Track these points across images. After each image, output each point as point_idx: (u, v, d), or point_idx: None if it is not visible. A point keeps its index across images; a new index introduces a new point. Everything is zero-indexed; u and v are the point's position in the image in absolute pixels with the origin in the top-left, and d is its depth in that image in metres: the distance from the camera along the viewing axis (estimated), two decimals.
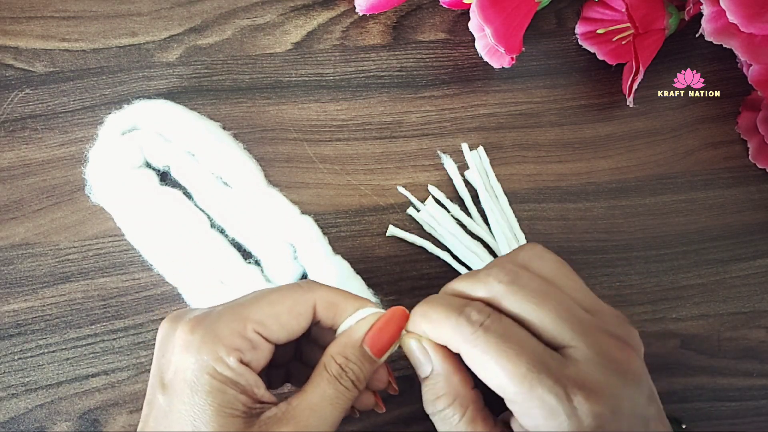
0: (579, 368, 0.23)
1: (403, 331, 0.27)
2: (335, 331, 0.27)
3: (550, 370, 0.23)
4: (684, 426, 0.31)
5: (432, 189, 0.37)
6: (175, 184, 0.36)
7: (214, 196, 0.35)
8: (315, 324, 0.26)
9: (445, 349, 0.26)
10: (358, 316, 0.26)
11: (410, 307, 0.36)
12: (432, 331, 0.25)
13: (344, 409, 0.25)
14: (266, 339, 0.25)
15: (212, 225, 0.35)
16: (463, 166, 0.37)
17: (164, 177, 0.36)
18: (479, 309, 0.25)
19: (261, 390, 0.24)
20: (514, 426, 0.25)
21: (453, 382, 0.26)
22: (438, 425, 0.26)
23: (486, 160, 0.37)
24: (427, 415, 0.34)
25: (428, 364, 0.26)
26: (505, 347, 0.23)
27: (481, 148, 0.37)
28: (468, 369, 0.25)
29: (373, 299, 0.35)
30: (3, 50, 0.37)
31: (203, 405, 0.23)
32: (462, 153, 0.37)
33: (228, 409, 0.23)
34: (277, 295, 0.26)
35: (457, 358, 0.26)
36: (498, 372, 0.23)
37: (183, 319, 0.25)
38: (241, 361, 0.24)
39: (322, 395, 0.25)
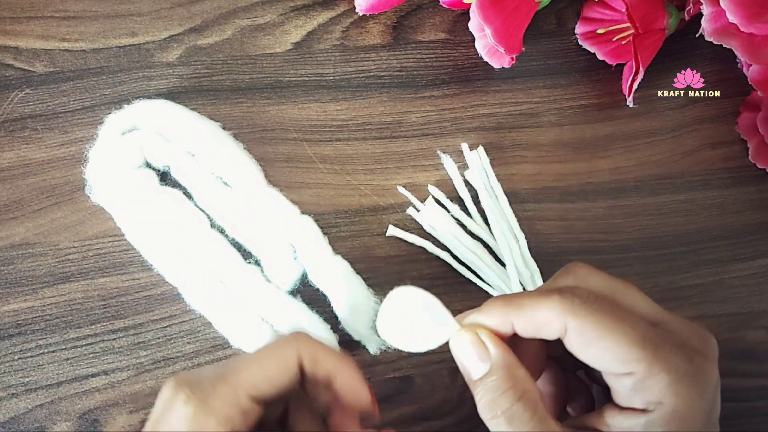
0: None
1: (455, 330, 0.25)
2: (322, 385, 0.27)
3: (665, 337, 0.22)
4: None
5: (432, 189, 0.37)
6: (175, 184, 0.36)
7: (214, 196, 0.35)
8: (302, 377, 0.26)
9: (504, 342, 0.24)
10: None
11: None
12: (522, 315, 0.23)
13: None
14: (258, 400, 0.25)
15: (212, 225, 0.35)
16: (463, 166, 0.37)
17: (164, 177, 0.36)
18: (576, 287, 0.24)
19: None
20: (609, 419, 0.24)
21: (518, 376, 0.23)
22: (500, 428, 0.23)
23: (486, 160, 0.37)
24: (427, 416, 0.34)
25: (485, 361, 0.24)
26: (621, 314, 0.22)
27: (481, 148, 0.37)
28: (528, 363, 0.24)
29: (373, 299, 0.35)
30: (3, 50, 0.37)
31: None
32: (462, 153, 0.37)
33: None
34: (264, 353, 0.26)
35: (516, 353, 0.24)
36: (618, 339, 0.22)
37: (183, 386, 0.25)
38: None
39: None
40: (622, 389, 0.23)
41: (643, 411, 0.23)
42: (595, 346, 0.23)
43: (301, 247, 0.35)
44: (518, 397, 0.23)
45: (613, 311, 0.23)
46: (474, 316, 0.25)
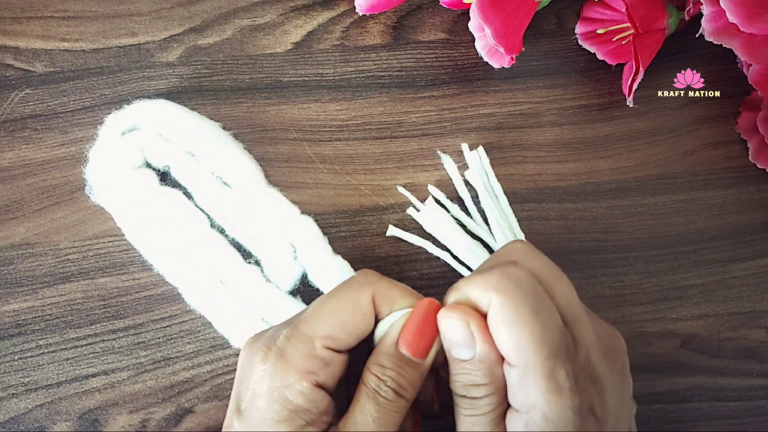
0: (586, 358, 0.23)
1: (441, 312, 0.24)
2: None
3: (565, 342, 0.23)
4: None
5: (432, 189, 0.37)
6: (175, 184, 0.36)
7: (214, 196, 0.35)
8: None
9: (491, 337, 0.24)
10: (392, 319, 0.25)
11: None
12: (457, 290, 0.24)
13: (393, 424, 0.24)
14: (337, 351, 0.24)
15: (212, 225, 0.35)
16: (463, 166, 0.37)
17: (164, 177, 0.36)
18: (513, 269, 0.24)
19: (329, 416, 0.24)
20: (507, 418, 0.24)
21: (496, 373, 0.24)
22: (464, 409, 0.24)
23: (486, 160, 0.37)
24: (427, 416, 0.34)
25: (470, 349, 0.24)
26: (539, 307, 0.22)
27: (481, 148, 0.37)
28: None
29: None
30: (3, 50, 0.37)
31: None
32: (462, 153, 0.37)
33: None
34: (336, 300, 0.24)
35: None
36: (522, 330, 0.22)
37: (258, 344, 0.24)
38: (317, 384, 0.23)
39: (363, 413, 0.23)
40: (509, 384, 0.23)
41: (518, 411, 0.23)
42: (501, 329, 0.23)
43: (301, 247, 0.35)
44: (491, 392, 0.23)
45: (535, 301, 0.23)
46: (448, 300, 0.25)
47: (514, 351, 0.22)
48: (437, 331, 0.24)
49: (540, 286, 0.24)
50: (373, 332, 0.25)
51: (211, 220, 0.35)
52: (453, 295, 0.24)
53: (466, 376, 0.24)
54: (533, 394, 0.22)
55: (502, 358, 0.24)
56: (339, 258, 0.35)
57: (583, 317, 0.25)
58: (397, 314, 0.25)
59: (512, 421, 0.23)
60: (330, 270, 0.34)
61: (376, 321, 0.25)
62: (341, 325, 0.24)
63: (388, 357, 0.24)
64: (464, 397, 0.24)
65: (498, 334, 0.23)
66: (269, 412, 0.23)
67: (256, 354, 0.24)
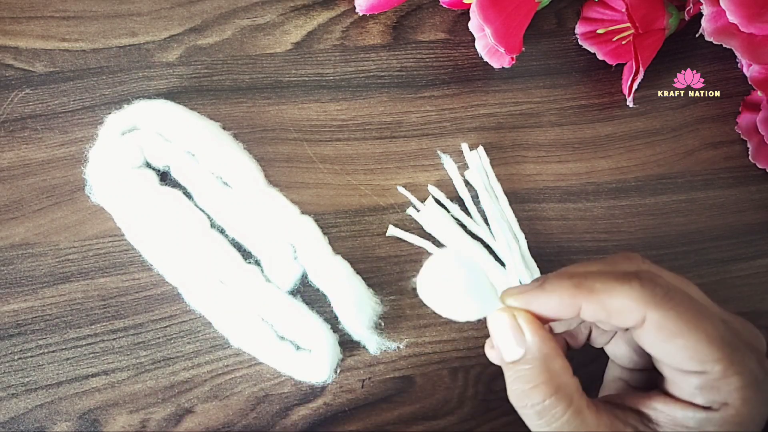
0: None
1: (496, 307, 0.23)
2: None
3: (737, 337, 0.22)
4: None
5: (432, 189, 0.37)
6: (175, 184, 0.36)
7: (214, 196, 0.35)
8: None
9: (545, 330, 0.22)
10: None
11: (408, 308, 0.36)
12: (593, 300, 0.22)
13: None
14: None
15: (212, 225, 0.35)
16: (463, 166, 0.37)
17: (164, 177, 0.36)
18: (657, 275, 0.22)
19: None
20: (658, 405, 0.23)
21: (554, 368, 0.22)
22: (532, 420, 0.22)
23: (486, 160, 0.37)
24: (427, 416, 0.34)
25: (520, 346, 0.22)
26: (699, 310, 0.21)
27: (480, 148, 0.37)
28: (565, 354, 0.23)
29: (373, 299, 0.35)
30: (3, 50, 0.37)
31: None
32: (462, 153, 0.37)
33: None
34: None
35: (556, 342, 0.23)
36: (699, 337, 0.21)
37: None
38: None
39: None
40: (686, 385, 0.22)
41: (705, 408, 0.22)
42: (672, 342, 0.21)
43: (301, 247, 0.35)
44: (552, 392, 0.22)
45: (693, 306, 0.22)
46: (535, 294, 0.23)
47: (690, 360, 0.21)
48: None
49: (685, 293, 0.23)
50: None
51: (211, 220, 0.35)
52: (587, 300, 0.22)
53: (523, 378, 0.22)
54: (726, 391, 0.21)
55: (560, 354, 0.22)
56: (339, 258, 0.35)
57: (725, 314, 0.24)
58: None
59: (675, 411, 0.22)
60: (330, 270, 0.34)
61: None
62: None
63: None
64: (527, 407, 0.22)
65: (664, 348, 0.22)
66: None
67: None
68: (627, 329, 0.23)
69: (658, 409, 0.23)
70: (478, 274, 0.24)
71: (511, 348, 0.22)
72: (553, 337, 0.23)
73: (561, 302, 0.22)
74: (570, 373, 0.23)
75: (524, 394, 0.22)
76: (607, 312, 0.22)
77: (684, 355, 0.21)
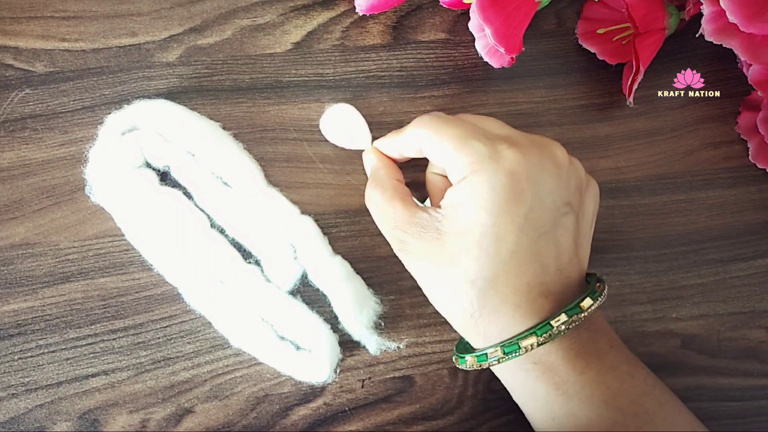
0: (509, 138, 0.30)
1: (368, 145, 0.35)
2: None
3: (484, 135, 0.30)
4: (599, 284, 0.30)
5: None
6: (175, 184, 0.36)
7: (214, 196, 0.35)
8: None
9: (383, 156, 0.34)
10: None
11: (408, 308, 0.36)
12: (400, 134, 0.33)
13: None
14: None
15: (212, 225, 0.35)
16: None
17: (164, 177, 0.36)
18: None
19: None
20: (445, 195, 0.30)
21: (391, 165, 0.33)
22: (374, 191, 0.32)
23: None
24: (427, 416, 0.34)
25: (371, 162, 0.34)
26: (455, 120, 0.31)
27: None
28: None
29: (373, 299, 0.35)
30: (3, 50, 0.37)
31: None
32: None
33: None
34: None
35: (390, 162, 0.34)
36: (444, 136, 0.30)
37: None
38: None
39: None
40: (446, 165, 0.30)
41: (458, 183, 0.29)
42: (429, 144, 0.30)
43: (301, 247, 0.35)
44: (386, 165, 0.33)
45: (448, 119, 0.31)
46: (386, 141, 0.34)
47: (440, 152, 0.30)
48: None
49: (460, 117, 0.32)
50: None
51: (211, 220, 0.35)
52: (397, 135, 0.33)
53: (371, 168, 0.34)
54: (459, 165, 0.29)
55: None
56: (339, 258, 0.35)
57: (515, 133, 0.31)
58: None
59: (450, 194, 0.29)
60: (330, 270, 0.34)
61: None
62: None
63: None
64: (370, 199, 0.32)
65: (430, 149, 0.31)
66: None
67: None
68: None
69: (444, 197, 0.30)
70: (359, 119, 0.37)
71: (367, 164, 0.34)
72: (389, 160, 0.34)
73: (392, 145, 0.34)
74: (396, 179, 0.33)
75: (369, 189, 0.32)
76: (407, 140, 0.32)
77: (436, 150, 0.30)
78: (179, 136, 0.35)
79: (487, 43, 0.36)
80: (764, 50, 0.34)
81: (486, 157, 0.28)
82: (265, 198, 0.35)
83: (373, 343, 0.34)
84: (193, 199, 0.35)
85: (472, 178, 0.28)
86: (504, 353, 0.28)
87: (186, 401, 0.34)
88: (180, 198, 0.35)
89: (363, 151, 0.35)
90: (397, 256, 0.37)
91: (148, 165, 0.36)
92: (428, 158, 0.32)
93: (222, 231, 0.35)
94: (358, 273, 0.35)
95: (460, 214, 0.28)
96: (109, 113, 0.35)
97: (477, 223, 0.28)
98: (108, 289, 0.35)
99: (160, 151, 0.35)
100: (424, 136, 0.31)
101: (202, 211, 0.35)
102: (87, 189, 0.35)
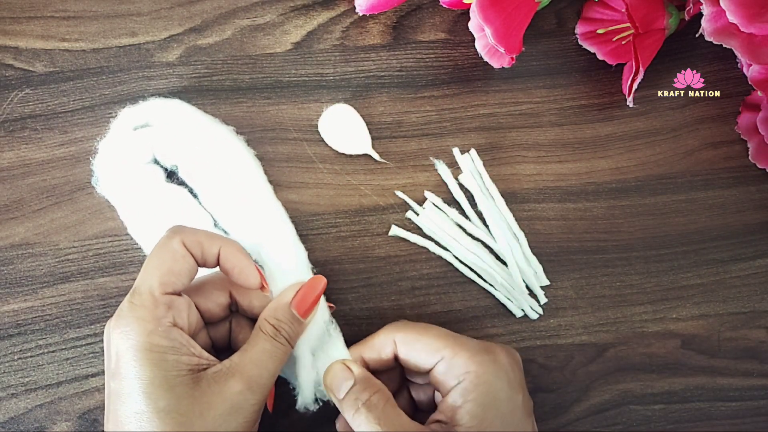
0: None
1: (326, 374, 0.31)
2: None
3: (458, 336, 0.31)
4: None
5: (429, 195, 0.37)
6: (182, 183, 0.35)
7: (219, 196, 0.35)
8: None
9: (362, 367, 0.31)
10: (287, 286, 0.32)
11: (408, 308, 0.36)
12: (366, 345, 0.32)
13: (281, 362, 0.29)
14: (175, 293, 0.28)
15: (215, 225, 0.35)
16: (459, 170, 0.37)
17: (171, 175, 0.36)
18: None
19: (197, 349, 0.28)
20: (439, 409, 0.29)
21: (374, 382, 0.30)
22: (360, 417, 0.29)
23: (479, 162, 0.37)
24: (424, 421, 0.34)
25: (350, 378, 0.30)
26: (426, 327, 0.31)
27: (473, 151, 0.37)
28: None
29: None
30: (3, 50, 0.37)
31: (151, 376, 0.26)
32: (462, 155, 0.37)
33: (173, 372, 0.26)
34: (156, 255, 0.29)
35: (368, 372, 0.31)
36: (428, 338, 0.30)
37: (109, 322, 0.28)
38: (174, 324, 0.28)
39: (262, 350, 0.29)
40: (440, 377, 0.30)
41: (458, 385, 0.29)
42: (413, 347, 0.30)
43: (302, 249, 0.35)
44: (374, 392, 0.30)
45: (421, 326, 0.31)
46: (360, 348, 0.32)
47: (428, 353, 0.30)
48: (317, 301, 0.31)
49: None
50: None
51: (214, 221, 0.35)
52: (363, 347, 0.32)
53: (353, 394, 0.30)
54: (461, 364, 0.29)
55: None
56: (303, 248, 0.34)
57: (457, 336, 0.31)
58: (291, 283, 0.32)
59: (447, 404, 0.29)
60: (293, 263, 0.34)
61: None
62: (168, 271, 0.28)
63: (283, 313, 0.30)
64: (357, 411, 0.29)
65: (411, 355, 0.30)
66: (137, 363, 0.26)
67: (112, 334, 0.27)
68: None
69: (440, 411, 0.29)
70: (358, 122, 0.37)
71: (344, 382, 0.30)
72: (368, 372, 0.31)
73: (354, 355, 0.32)
74: (385, 387, 0.30)
75: (355, 398, 0.29)
76: (376, 349, 0.31)
77: (423, 354, 0.30)
78: (190, 136, 0.35)
79: (487, 43, 0.36)
80: (764, 50, 0.34)
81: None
82: (267, 200, 0.35)
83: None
84: (198, 199, 0.35)
85: (478, 370, 0.29)
86: None
87: None
88: (185, 196, 0.35)
89: (363, 153, 0.35)
90: (396, 256, 0.37)
91: (157, 162, 0.36)
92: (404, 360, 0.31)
93: (225, 233, 0.35)
94: (358, 273, 0.35)
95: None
96: (109, 113, 0.35)
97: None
98: (108, 289, 0.35)
99: (170, 149, 0.35)
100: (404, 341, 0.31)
101: (207, 210, 0.35)
102: (93, 180, 0.35)
